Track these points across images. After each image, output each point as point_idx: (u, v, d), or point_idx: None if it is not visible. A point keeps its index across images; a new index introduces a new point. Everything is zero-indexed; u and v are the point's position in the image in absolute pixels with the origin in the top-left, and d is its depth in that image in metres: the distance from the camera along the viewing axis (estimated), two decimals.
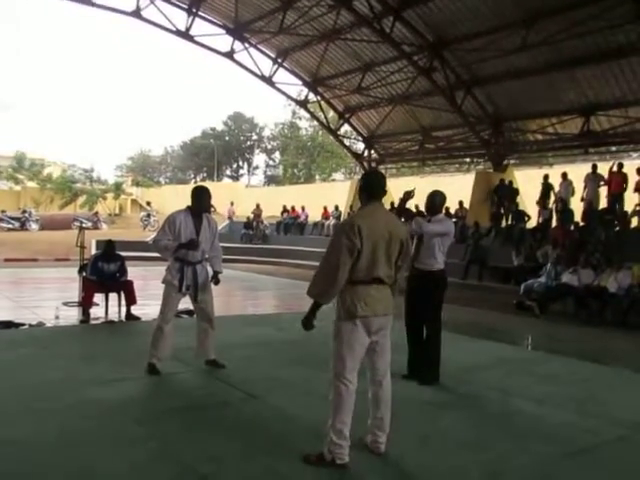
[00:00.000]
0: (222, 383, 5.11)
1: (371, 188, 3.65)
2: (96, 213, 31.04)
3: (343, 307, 3.46)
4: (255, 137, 61.71)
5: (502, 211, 17.19)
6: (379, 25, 15.06)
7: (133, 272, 8.79)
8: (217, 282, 5.60)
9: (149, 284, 9.68)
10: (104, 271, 8.15)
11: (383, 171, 23.48)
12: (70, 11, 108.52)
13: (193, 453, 3.56)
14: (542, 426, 4.27)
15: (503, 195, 17.16)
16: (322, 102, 21.59)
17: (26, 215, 28.75)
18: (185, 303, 5.56)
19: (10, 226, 27.59)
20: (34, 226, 28.32)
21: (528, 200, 17.26)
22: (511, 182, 17.37)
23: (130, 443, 3.69)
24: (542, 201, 16.06)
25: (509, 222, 16.60)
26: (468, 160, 24.76)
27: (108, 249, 8.36)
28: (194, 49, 19.22)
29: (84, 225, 18.48)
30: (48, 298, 10.35)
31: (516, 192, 17.18)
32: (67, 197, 35.00)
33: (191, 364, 5.62)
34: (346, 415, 3.38)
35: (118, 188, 37.26)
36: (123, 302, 8.24)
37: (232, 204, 27.10)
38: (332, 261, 3.38)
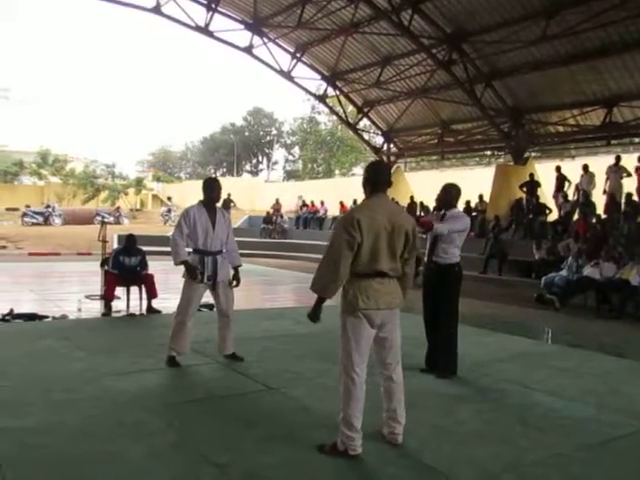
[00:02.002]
0: (240, 375, 5.16)
1: (374, 179, 3.57)
2: (118, 208, 31.40)
3: (345, 300, 3.45)
4: (274, 132, 61.83)
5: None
6: (397, 18, 14.96)
7: (154, 266, 8.89)
8: (238, 282, 5.57)
9: (170, 278, 9.76)
10: (125, 265, 8.26)
11: (402, 165, 23.43)
12: (92, 6, 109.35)
13: (210, 443, 3.61)
14: (560, 419, 4.24)
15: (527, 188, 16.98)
16: (341, 96, 21.56)
17: (49, 210, 29.16)
18: (205, 297, 5.62)
19: (34, 220, 28.02)
20: (57, 221, 28.72)
21: (546, 192, 17.06)
22: (532, 175, 17.18)
23: (149, 432, 3.75)
24: (557, 193, 15.87)
25: (530, 215, 16.42)
26: (488, 153, 24.50)
27: (129, 243, 8.47)
28: (214, 44, 19.27)
29: (106, 220, 18.72)
30: (71, 291, 10.53)
31: (538, 185, 16.98)
32: (89, 192, 35.57)
33: (210, 356, 5.68)
34: (355, 407, 3.39)
35: (139, 183, 37.77)
36: (144, 295, 8.33)
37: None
38: (333, 256, 3.36)
